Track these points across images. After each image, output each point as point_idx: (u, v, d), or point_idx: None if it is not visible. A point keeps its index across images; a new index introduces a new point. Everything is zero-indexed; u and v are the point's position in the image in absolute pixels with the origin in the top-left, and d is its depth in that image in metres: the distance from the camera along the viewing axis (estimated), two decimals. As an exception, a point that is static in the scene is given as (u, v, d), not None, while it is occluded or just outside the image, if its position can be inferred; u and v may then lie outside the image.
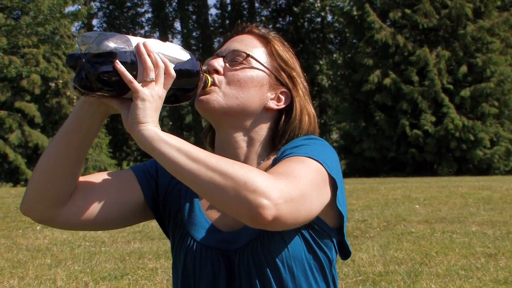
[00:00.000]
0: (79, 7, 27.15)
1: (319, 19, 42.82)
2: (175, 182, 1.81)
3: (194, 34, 44.72)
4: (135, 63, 1.52)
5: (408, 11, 28.92)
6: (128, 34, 1.61)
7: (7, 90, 28.57)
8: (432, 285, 5.06)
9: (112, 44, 1.50)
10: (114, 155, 35.89)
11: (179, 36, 46.22)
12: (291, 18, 43.01)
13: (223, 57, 1.78)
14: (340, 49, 40.22)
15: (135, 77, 1.53)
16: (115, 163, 32.90)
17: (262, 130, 1.78)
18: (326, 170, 1.64)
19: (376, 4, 30.10)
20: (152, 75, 1.53)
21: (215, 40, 44.28)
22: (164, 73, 1.57)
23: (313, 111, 1.83)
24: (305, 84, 1.85)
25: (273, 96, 1.78)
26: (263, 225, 1.49)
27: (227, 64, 1.77)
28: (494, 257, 6.21)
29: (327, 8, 41.10)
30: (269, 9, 44.48)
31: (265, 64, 1.79)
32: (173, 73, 1.58)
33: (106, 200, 1.76)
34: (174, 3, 45.21)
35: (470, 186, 15.36)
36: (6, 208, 12.62)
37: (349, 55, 32.57)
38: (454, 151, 27.86)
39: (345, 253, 1.81)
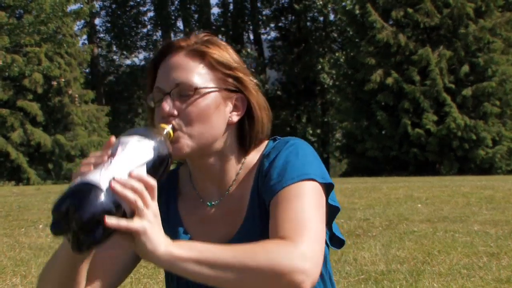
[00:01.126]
0: (82, 5, 27.18)
1: (321, 18, 42.82)
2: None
3: (196, 32, 44.73)
4: (117, 202, 1.41)
5: (410, 10, 28.92)
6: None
7: (10, 88, 28.61)
8: (434, 284, 5.06)
9: (91, 209, 1.38)
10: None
11: (181, 35, 46.20)
12: (293, 17, 42.99)
13: (169, 94, 1.68)
14: (342, 48, 40.22)
15: (124, 214, 1.44)
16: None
17: (231, 142, 1.77)
18: (319, 182, 1.68)
19: (378, 3, 30.09)
20: (139, 203, 1.43)
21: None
22: (147, 189, 1.46)
23: (265, 102, 1.80)
24: (251, 77, 1.80)
25: (231, 109, 1.75)
26: None
27: (176, 102, 1.68)
28: (497, 256, 6.21)
29: (329, 7, 41.08)
30: (271, 8, 44.47)
31: (212, 84, 1.72)
32: (153, 183, 1.46)
33: (112, 280, 1.78)
34: (177, 2, 45.26)
35: (472, 185, 15.35)
36: (9, 206, 12.63)
37: (351, 54, 32.57)
38: (456, 150, 27.86)
39: (339, 242, 1.81)
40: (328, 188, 1.73)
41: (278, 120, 40.12)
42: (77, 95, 30.33)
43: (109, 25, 45.93)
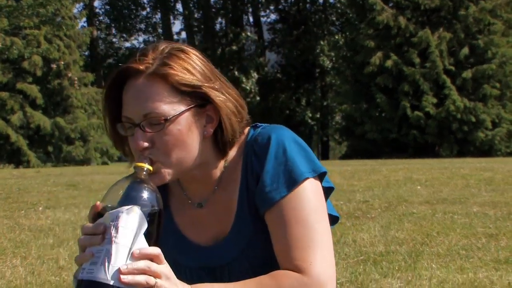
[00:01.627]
0: (80, -12, 27.05)
1: (321, 0, 42.67)
2: None
3: (196, 15, 44.59)
4: None
5: (410, -8, 28.84)
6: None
7: (9, 71, 28.55)
8: (433, 265, 5.07)
9: None
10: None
11: (180, 18, 46.07)
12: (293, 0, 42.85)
13: (139, 125, 1.62)
14: (342, 31, 40.12)
15: None
16: (117, 145, 32.91)
17: (209, 151, 1.72)
18: (313, 177, 1.69)
19: (378, -15, 29.98)
20: (151, 281, 1.43)
21: (216, 21, 44.13)
22: (153, 260, 1.45)
23: (235, 105, 1.73)
24: (216, 82, 1.70)
25: (204, 122, 1.70)
26: None
27: (147, 133, 1.62)
28: (495, 237, 6.22)
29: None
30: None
31: (179, 106, 1.65)
32: (157, 251, 1.46)
33: None
34: (176, -16, 45.06)
35: (471, 167, 15.37)
36: (9, 189, 12.65)
37: (351, 37, 32.49)
38: (455, 132, 27.86)
39: (333, 220, 1.81)
40: (321, 176, 1.73)
41: (277, 103, 40.08)
42: (76, 78, 30.27)
43: (108, 7, 45.80)
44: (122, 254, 1.42)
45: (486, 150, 27.80)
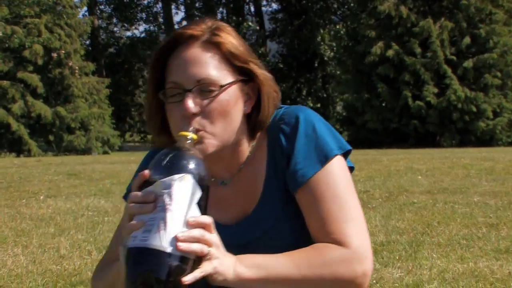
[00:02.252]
0: (81, -23, 27.00)
1: (322, -10, 42.59)
2: None
3: (197, 4, 44.51)
4: (185, 258, 1.43)
5: (412, -19, 28.77)
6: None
7: (10, 60, 28.51)
8: (434, 255, 5.09)
9: (167, 277, 1.41)
10: (117, 126, 35.91)
11: (182, 7, 46.01)
12: (294, -11, 42.77)
13: (190, 91, 1.61)
14: (343, 20, 40.03)
15: (193, 261, 1.45)
16: (118, 134, 32.90)
17: (243, 130, 1.73)
18: (340, 154, 1.73)
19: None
20: (205, 249, 1.44)
21: (217, 11, 44.04)
22: (205, 228, 1.45)
23: (274, 89, 1.76)
24: (257, 60, 1.72)
25: (245, 99, 1.71)
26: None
27: (197, 99, 1.62)
28: (496, 227, 6.23)
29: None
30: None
31: (229, 76, 1.66)
32: (209, 220, 1.46)
33: None
34: (177, -26, 44.96)
35: (472, 157, 15.38)
36: (10, 178, 12.68)
37: (352, 26, 32.43)
38: (456, 122, 27.83)
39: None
40: (346, 154, 1.78)
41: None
42: (77, 67, 30.23)
43: (109, -3, 45.71)
44: (178, 222, 1.42)
45: (487, 140, 27.77)
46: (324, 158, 1.68)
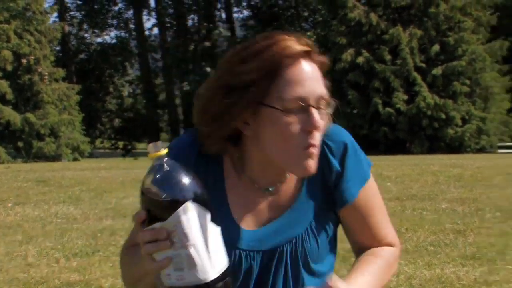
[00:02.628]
0: (51, -18, 26.81)
1: (293, -3, 42.75)
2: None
3: (168, 11, 44.42)
4: (223, 274, 1.47)
5: (381, -11, 29.00)
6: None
7: (-22, 66, 28.24)
8: (401, 261, 5.12)
9: None
10: (88, 132, 35.67)
11: (153, 14, 45.88)
12: (265, -4, 42.89)
13: (314, 107, 1.62)
14: (313, 27, 40.20)
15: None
16: (88, 141, 32.68)
17: None
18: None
19: (350, -17, 30.12)
20: None
21: (188, 18, 44.01)
22: None
23: None
24: None
25: None
26: None
27: (321, 115, 1.64)
28: (463, 234, 6.30)
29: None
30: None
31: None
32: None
33: None
34: (148, -20, 44.85)
35: (441, 164, 15.50)
36: (-23, 185, 12.52)
37: (322, 34, 32.57)
38: (426, 129, 28.07)
39: None
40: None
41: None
42: (47, 73, 30.01)
43: (80, 2, 45.47)
44: (202, 252, 1.43)
45: (456, 147, 28.04)
46: (367, 176, 1.81)
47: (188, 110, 42.51)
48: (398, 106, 27.89)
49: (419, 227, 6.68)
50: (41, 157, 28.89)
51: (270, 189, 1.76)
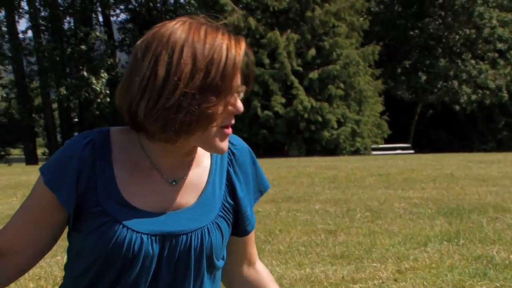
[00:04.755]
0: None
1: (172, 1, 42.64)
2: (91, 176, 1.67)
3: (42, 14, 43.29)
4: None
5: (260, -7, 29.39)
6: None
7: None
8: (273, 262, 5.22)
9: None
10: None
11: (26, 16, 44.58)
12: (143, 0, 42.53)
13: (238, 93, 1.71)
14: (193, 31, 40.22)
15: None
16: None
17: None
18: None
19: (229, -13, 30.38)
20: None
21: (64, 20, 43.04)
22: None
23: None
24: None
25: None
26: None
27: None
28: (334, 233, 6.48)
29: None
30: (121, -11, 43.75)
31: None
32: None
33: (38, 247, 1.73)
34: (21, -19, 43.55)
35: (317, 166, 15.87)
36: None
37: (201, 37, 32.62)
38: (303, 132, 28.66)
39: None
40: None
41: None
42: None
43: None
44: None
45: (332, 149, 28.77)
46: (264, 189, 1.90)
47: (65, 114, 41.62)
48: (276, 109, 28.34)
49: (292, 228, 6.82)
50: None
51: (176, 181, 1.73)
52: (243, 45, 1.75)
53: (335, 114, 29.02)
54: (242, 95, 1.72)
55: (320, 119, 28.48)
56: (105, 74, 39.40)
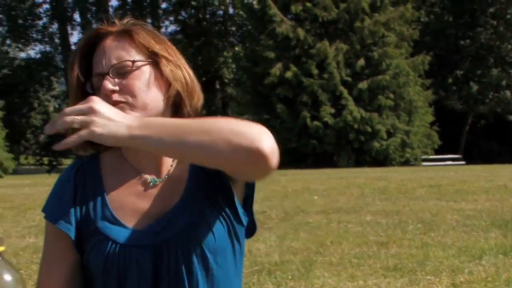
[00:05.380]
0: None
1: (221, 12, 42.86)
2: (84, 196, 1.74)
3: (94, 25, 43.94)
4: None
5: (308, 4, 29.36)
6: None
7: None
8: (325, 273, 5.18)
9: None
10: (12, 148, 34.88)
11: (78, 28, 45.33)
12: (193, 11, 42.83)
13: (108, 74, 1.69)
14: (242, 42, 40.36)
15: None
16: (11, 157, 31.99)
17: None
18: None
19: (277, -3, 30.49)
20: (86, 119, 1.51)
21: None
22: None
23: (184, 79, 1.81)
24: (172, 57, 1.79)
25: (161, 84, 1.75)
26: (264, 162, 1.59)
27: (116, 79, 1.69)
28: (386, 245, 6.41)
29: (226, 0, 41.19)
30: (171, 1, 44.17)
31: (143, 59, 1.74)
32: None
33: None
34: (73, -6, 44.32)
35: (367, 177, 15.75)
36: None
37: (250, 48, 32.75)
38: (352, 142, 28.49)
39: (252, 229, 1.83)
40: None
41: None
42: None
43: (2, 16, 44.55)
44: None
45: (381, 160, 28.53)
46: None
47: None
48: (325, 119, 28.23)
49: (344, 240, 6.76)
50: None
51: (156, 181, 1.74)
52: (93, 32, 1.77)
53: (384, 124, 28.80)
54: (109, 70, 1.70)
55: (369, 129, 28.29)
56: (155, 85, 39.77)
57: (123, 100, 1.67)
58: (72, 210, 1.71)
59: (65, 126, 1.49)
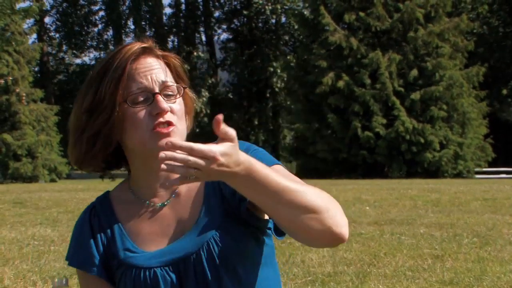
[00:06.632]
0: (31, 3, 26.79)
1: (273, 21, 42.95)
2: (102, 234, 1.80)
3: (148, 33, 44.44)
4: None
5: (361, 14, 29.25)
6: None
7: (-45, 86, 28.05)
8: (380, 286, 5.13)
9: None
10: (65, 153, 35.35)
11: (132, 35, 45.90)
12: (245, 19, 43.01)
13: (159, 93, 1.70)
14: (293, 51, 40.36)
15: None
16: (66, 162, 32.47)
17: None
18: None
19: (331, 7, 30.37)
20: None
21: (169, 39, 44.06)
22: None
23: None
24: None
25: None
26: (339, 244, 1.66)
27: (166, 100, 1.71)
28: (441, 259, 6.32)
29: (278, 9, 41.27)
30: (223, 10, 44.44)
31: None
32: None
33: None
34: (128, 2, 44.92)
35: (419, 188, 15.58)
36: (-47, 206, 12.40)
37: (302, 57, 32.75)
38: (404, 153, 28.21)
39: (280, 232, 1.81)
40: None
41: (230, 122, 40.04)
42: (24, 94, 29.86)
43: (59, 23, 45.39)
44: None
45: (434, 171, 28.20)
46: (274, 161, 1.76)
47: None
48: (377, 130, 28.05)
49: (398, 252, 6.69)
50: (18, 178, 28.67)
51: (165, 203, 1.78)
52: (136, 46, 1.76)
53: (437, 136, 28.47)
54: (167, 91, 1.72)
55: (422, 140, 27.99)
56: (206, 93, 39.98)
57: (174, 122, 1.70)
58: (94, 250, 1.78)
59: (185, 174, 1.44)
